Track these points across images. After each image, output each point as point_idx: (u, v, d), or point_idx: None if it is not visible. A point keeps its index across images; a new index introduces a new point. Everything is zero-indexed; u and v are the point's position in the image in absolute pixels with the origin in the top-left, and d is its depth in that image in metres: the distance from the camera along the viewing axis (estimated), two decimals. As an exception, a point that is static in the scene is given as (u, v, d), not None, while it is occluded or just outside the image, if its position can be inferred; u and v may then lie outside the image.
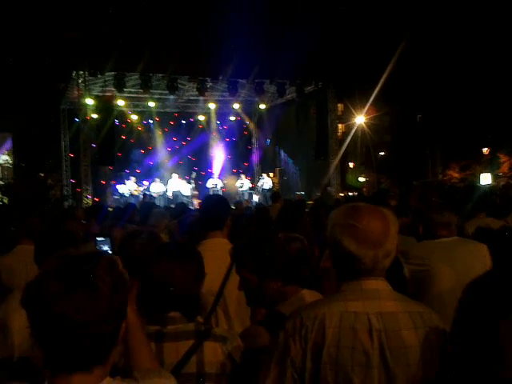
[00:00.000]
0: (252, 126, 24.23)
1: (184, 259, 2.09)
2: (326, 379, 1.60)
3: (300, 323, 1.66)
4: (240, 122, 23.73)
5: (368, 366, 1.58)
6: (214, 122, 23.18)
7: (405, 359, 1.58)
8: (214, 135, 23.46)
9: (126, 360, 1.60)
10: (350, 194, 24.18)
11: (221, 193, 19.19)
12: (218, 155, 23.47)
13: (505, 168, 33.51)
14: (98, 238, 2.14)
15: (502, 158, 33.84)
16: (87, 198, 17.15)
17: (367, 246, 1.65)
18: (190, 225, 4.40)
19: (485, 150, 34.27)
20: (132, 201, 17.20)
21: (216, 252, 3.09)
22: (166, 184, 19.38)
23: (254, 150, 24.52)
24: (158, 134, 22.42)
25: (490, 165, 33.20)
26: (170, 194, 19.03)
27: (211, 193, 17.85)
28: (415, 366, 1.59)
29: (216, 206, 3.28)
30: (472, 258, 2.77)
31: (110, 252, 2.07)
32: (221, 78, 17.56)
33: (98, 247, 2.17)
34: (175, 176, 19.44)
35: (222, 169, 22.95)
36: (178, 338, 1.95)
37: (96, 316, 1.22)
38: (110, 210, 8.71)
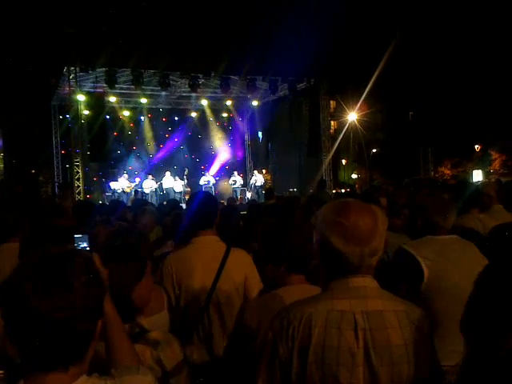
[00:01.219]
0: (244, 123, 24.21)
1: (122, 260, 2.05)
2: (312, 378, 1.59)
3: (287, 322, 1.66)
4: (232, 119, 23.70)
5: (353, 365, 1.58)
6: (207, 119, 23.14)
7: (389, 358, 1.58)
8: (207, 132, 23.42)
9: (107, 357, 1.58)
10: (343, 190, 24.23)
11: (213, 190, 19.19)
12: (211, 152, 23.43)
13: (496, 165, 33.75)
14: (76, 235, 2.10)
15: (494, 154, 34.08)
16: (79, 194, 17.05)
17: (354, 243, 1.64)
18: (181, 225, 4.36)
19: (476, 147, 34.48)
20: (123, 197, 17.16)
21: (207, 249, 3.09)
22: (157, 181, 19.37)
23: (247, 147, 24.51)
24: (150, 131, 22.34)
25: (481, 162, 33.41)
26: (164, 190, 19.09)
27: (204, 190, 17.83)
28: (400, 365, 1.59)
29: (204, 205, 3.25)
30: (473, 257, 2.71)
31: (87, 249, 2.03)
32: (213, 74, 17.52)
33: (76, 244, 2.13)
34: (168, 173, 19.46)
35: (214, 165, 22.92)
36: None
37: (71, 314, 1.21)
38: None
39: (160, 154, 22.15)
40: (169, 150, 22.38)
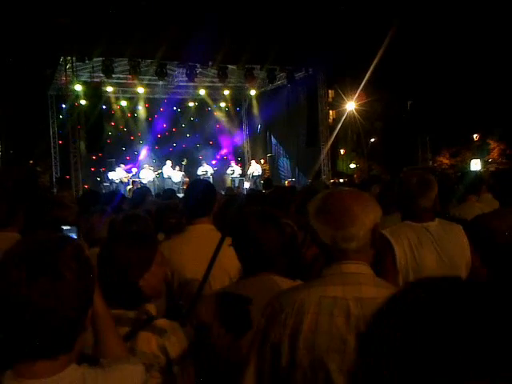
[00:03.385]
0: (242, 112, 24.13)
1: (134, 245, 2.04)
2: (301, 364, 1.59)
3: (280, 308, 1.66)
4: (230, 109, 23.60)
5: (344, 352, 1.57)
6: (205, 108, 23.05)
7: None
8: (205, 121, 23.33)
9: (96, 347, 1.57)
10: (341, 180, 24.20)
11: (211, 179, 19.15)
12: (209, 142, 23.36)
13: (494, 154, 33.74)
14: (64, 227, 2.07)
15: (492, 144, 34.05)
16: (76, 185, 16.97)
17: (326, 223, 1.67)
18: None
19: (475, 137, 34.42)
20: (121, 187, 17.14)
21: (201, 238, 3.06)
22: (155, 171, 19.36)
23: (245, 137, 24.43)
24: (148, 121, 22.24)
25: (479, 151, 33.36)
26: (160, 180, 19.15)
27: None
28: None
29: (201, 192, 3.23)
30: (451, 240, 2.77)
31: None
32: (210, 63, 17.41)
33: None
34: (169, 163, 19.46)
35: (212, 155, 22.87)
36: (116, 324, 1.92)
37: (60, 302, 1.19)
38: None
39: (157, 144, 22.05)
40: (166, 140, 22.30)
